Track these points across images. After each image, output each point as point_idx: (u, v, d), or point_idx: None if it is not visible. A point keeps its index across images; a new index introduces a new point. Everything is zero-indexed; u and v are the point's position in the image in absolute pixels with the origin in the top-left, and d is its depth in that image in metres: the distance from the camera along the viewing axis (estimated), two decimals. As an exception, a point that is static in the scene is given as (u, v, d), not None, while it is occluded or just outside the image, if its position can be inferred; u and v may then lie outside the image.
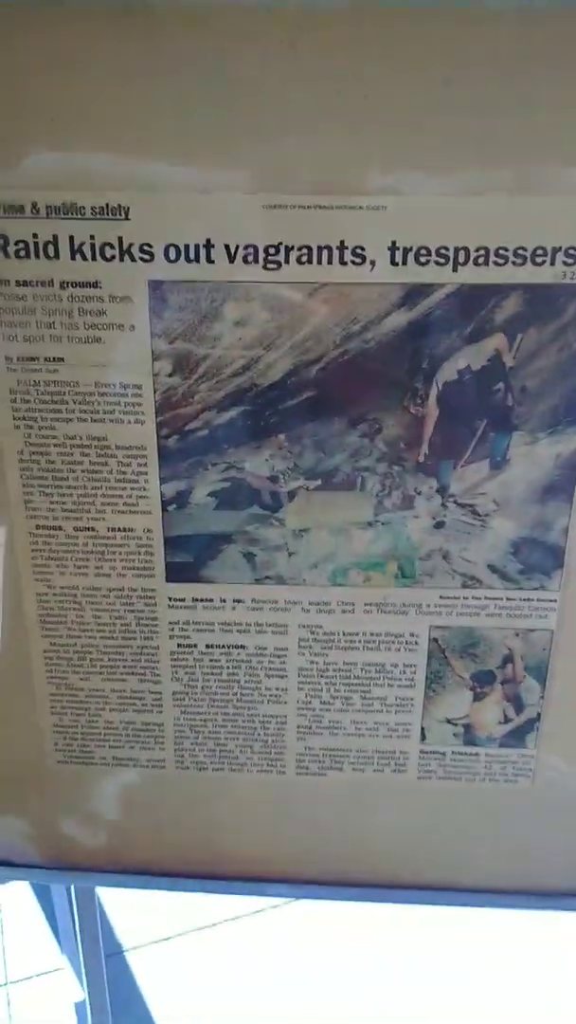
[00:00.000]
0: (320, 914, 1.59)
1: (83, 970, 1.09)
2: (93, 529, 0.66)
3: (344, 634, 0.69)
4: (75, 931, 1.14)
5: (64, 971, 1.50)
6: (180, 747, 0.74)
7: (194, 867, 0.80)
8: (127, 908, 1.66)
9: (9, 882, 0.86)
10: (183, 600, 0.68)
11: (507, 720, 0.72)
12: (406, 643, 0.69)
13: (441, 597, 0.67)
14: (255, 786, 0.75)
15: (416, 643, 0.69)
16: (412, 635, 0.68)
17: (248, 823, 0.78)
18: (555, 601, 0.66)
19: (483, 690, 0.70)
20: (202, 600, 0.68)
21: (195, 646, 0.70)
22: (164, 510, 0.64)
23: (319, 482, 0.63)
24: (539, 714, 0.71)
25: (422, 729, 0.72)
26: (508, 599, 0.67)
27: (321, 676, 0.70)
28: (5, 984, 1.50)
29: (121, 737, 0.74)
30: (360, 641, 0.69)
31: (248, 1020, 1.43)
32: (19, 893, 1.68)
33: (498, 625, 0.68)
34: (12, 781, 0.79)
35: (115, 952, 1.58)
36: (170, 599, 0.68)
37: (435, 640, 0.69)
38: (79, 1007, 1.33)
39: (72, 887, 1.08)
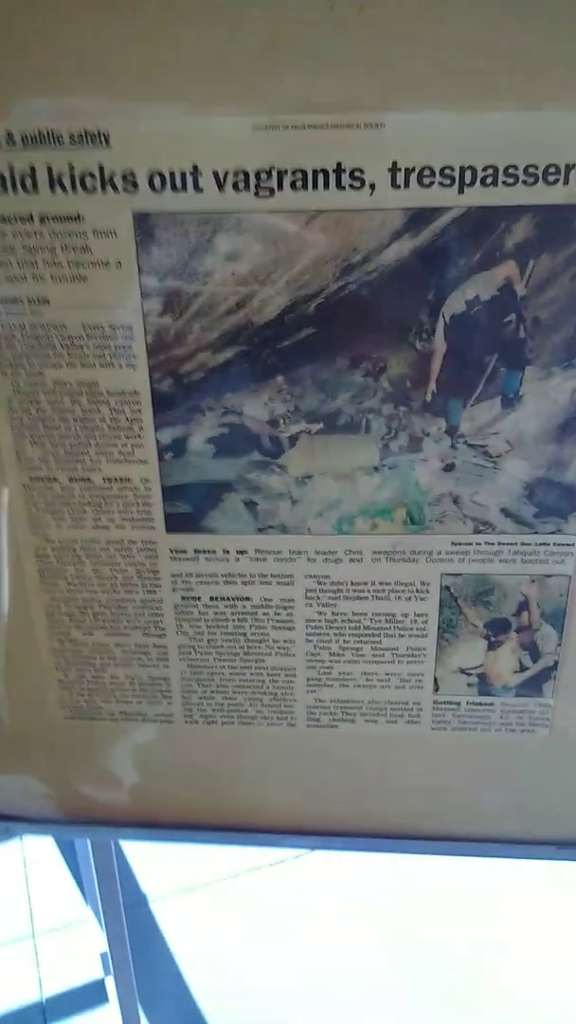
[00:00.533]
0: (339, 864, 1.60)
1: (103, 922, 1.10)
2: (88, 480, 0.63)
3: (352, 584, 0.66)
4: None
5: (90, 922, 1.53)
6: (188, 701, 0.73)
7: (208, 820, 0.80)
8: (151, 860, 1.68)
9: (26, 836, 0.87)
10: (184, 552, 0.66)
11: (523, 669, 0.69)
12: (417, 592, 0.66)
13: (452, 543, 0.64)
14: (265, 739, 0.74)
15: (427, 591, 0.66)
16: (423, 583, 0.66)
17: (260, 776, 0.77)
18: (572, 545, 0.63)
19: (498, 638, 0.68)
20: (204, 551, 0.66)
21: (199, 599, 0.68)
22: (161, 458, 0.62)
23: (321, 425, 0.60)
24: (556, 662, 0.69)
25: (435, 679, 0.70)
26: (523, 544, 0.64)
27: (330, 627, 0.68)
28: (32, 935, 1.53)
29: (128, 692, 0.73)
30: (369, 591, 0.67)
31: (268, 967, 1.45)
32: (44, 846, 1.71)
33: (512, 571, 0.65)
34: (23, 738, 0.78)
35: (140, 903, 1.61)
36: (171, 551, 0.66)
37: (447, 588, 0.66)
38: (105, 957, 1.36)
39: (89, 841, 1.09)
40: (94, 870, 1.03)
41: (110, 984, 1.34)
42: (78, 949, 1.49)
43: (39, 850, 1.71)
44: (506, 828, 0.76)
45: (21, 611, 0.70)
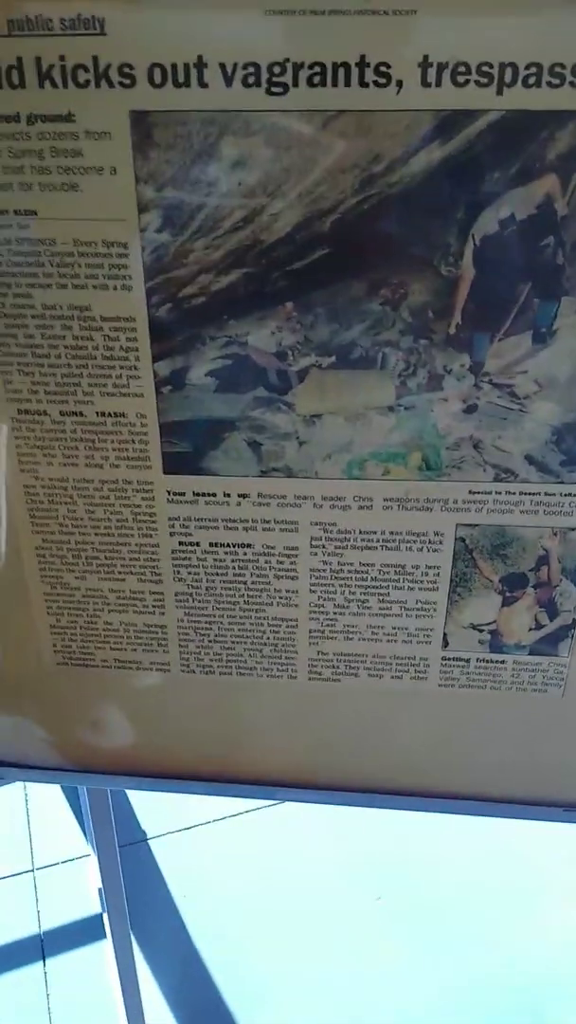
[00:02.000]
0: (335, 806, 1.61)
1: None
2: (81, 414, 0.59)
3: (361, 532, 0.62)
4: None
5: (90, 857, 1.54)
6: (185, 650, 0.70)
7: (204, 770, 0.77)
8: (151, 798, 1.69)
9: (19, 782, 0.85)
10: (183, 494, 0.62)
11: (539, 626, 0.66)
12: (429, 542, 0.62)
13: (470, 492, 0.60)
14: (265, 691, 0.71)
15: (440, 543, 0.62)
16: (436, 534, 0.62)
17: (258, 728, 0.74)
18: (600, 497, 0.59)
19: (514, 594, 0.64)
20: (204, 494, 0.61)
21: (197, 544, 0.64)
22: (158, 392, 0.57)
23: (333, 359, 0.55)
24: (575, 620, 0.65)
25: (444, 635, 0.66)
26: (546, 494, 0.59)
27: (335, 577, 0.64)
28: (32, 870, 1.55)
29: (122, 639, 0.70)
30: (378, 540, 0.62)
31: (262, 904, 1.46)
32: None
33: (534, 523, 0.61)
34: (16, 683, 0.75)
35: (139, 840, 1.62)
36: (169, 492, 0.62)
37: (462, 539, 0.62)
38: (103, 893, 1.37)
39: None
40: (90, 813, 1.02)
41: (108, 920, 1.35)
42: (77, 884, 1.51)
43: (41, 786, 1.72)
44: (512, 788, 0.73)
45: (11, 553, 0.66)
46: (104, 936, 1.42)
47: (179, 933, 1.44)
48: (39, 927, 1.45)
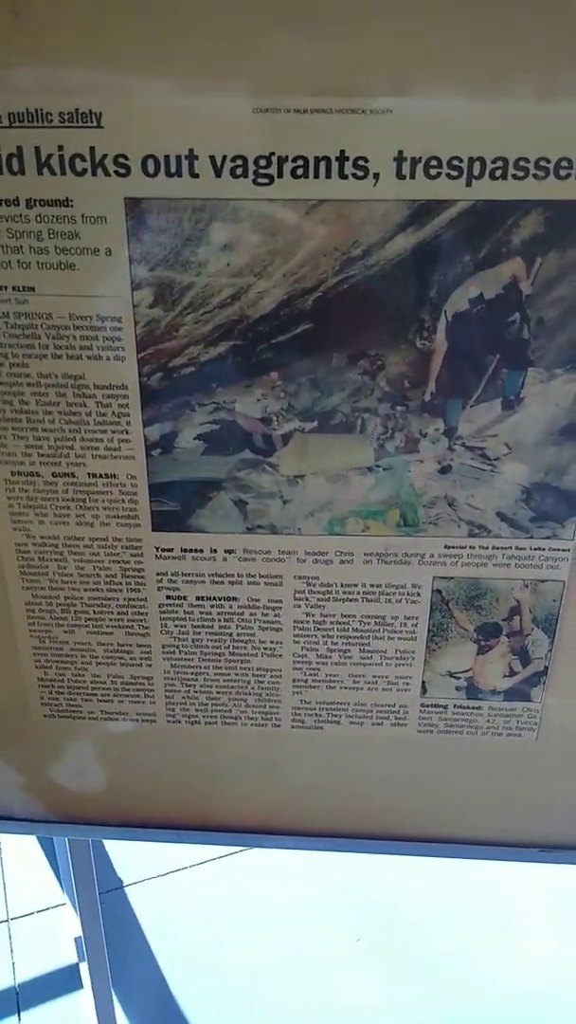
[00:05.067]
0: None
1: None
2: (73, 475, 0.61)
3: (342, 585, 0.65)
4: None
5: (65, 907, 1.52)
6: (171, 701, 0.71)
7: (188, 819, 0.78)
8: (127, 843, 1.67)
9: (4, 834, 0.85)
10: (171, 550, 0.64)
11: (512, 673, 0.68)
12: (408, 595, 0.65)
13: (446, 546, 0.63)
14: (249, 739, 0.73)
15: (418, 595, 0.65)
16: (414, 586, 0.65)
17: (242, 776, 0.76)
18: (568, 551, 0.62)
19: (488, 643, 0.67)
20: (191, 550, 0.64)
21: (184, 598, 0.66)
22: (148, 455, 0.60)
23: (315, 424, 0.58)
24: (547, 667, 0.68)
25: (423, 682, 0.69)
26: (517, 548, 0.63)
27: (318, 629, 0.67)
28: (7, 920, 1.52)
29: (109, 691, 0.71)
30: (359, 593, 0.65)
31: (241, 950, 1.45)
32: (20, 830, 1.69)
33: (506, 576, 0.64)
34: (3, 735, 0.76)
35: (115, 888, 1.60)
36: (157, 549, 0.64)
37: (438, 591, 0.65)
38: (80, 942, 1.35)
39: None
40: (71, 864, 1.02)
41: (84, 969, 1.33)
42: (52, 934, 1.49)
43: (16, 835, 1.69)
44: (490, 830, 0.76)
45: (1, 608, 0.67)
46: (80, 986, 1.40)
47: (157, 980, 1.42)
48: (14, 979, 1.42)
